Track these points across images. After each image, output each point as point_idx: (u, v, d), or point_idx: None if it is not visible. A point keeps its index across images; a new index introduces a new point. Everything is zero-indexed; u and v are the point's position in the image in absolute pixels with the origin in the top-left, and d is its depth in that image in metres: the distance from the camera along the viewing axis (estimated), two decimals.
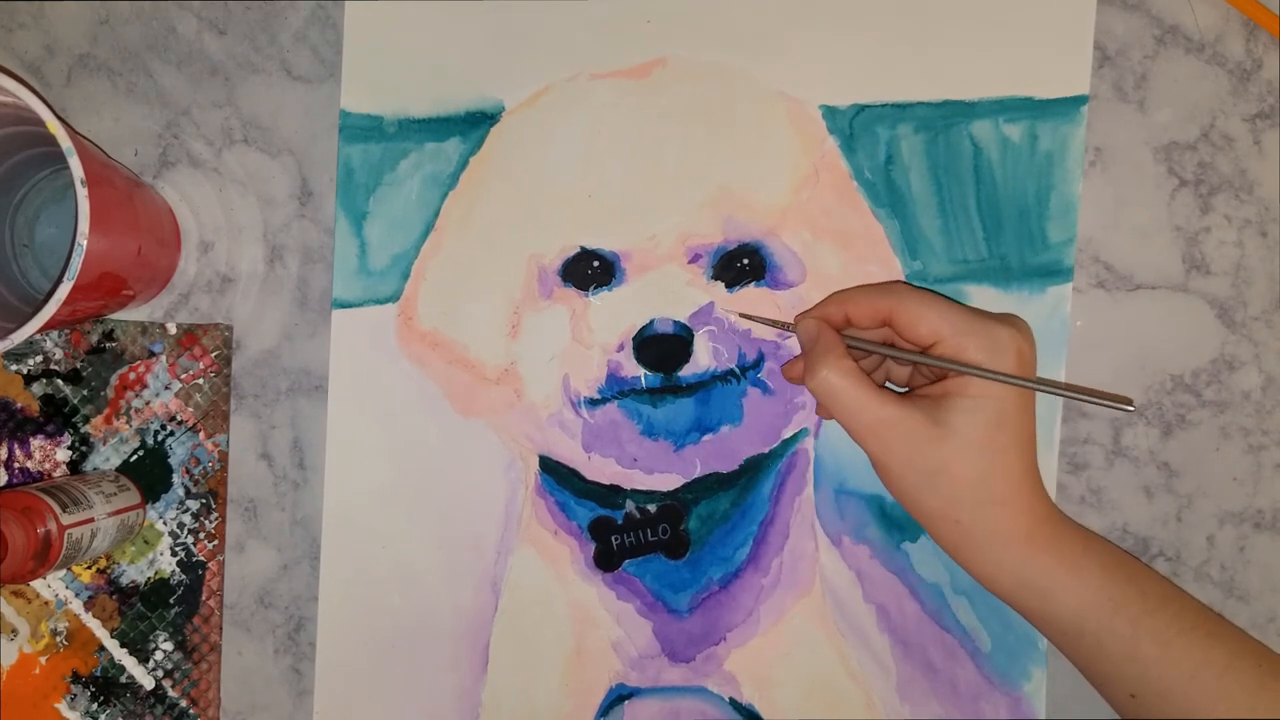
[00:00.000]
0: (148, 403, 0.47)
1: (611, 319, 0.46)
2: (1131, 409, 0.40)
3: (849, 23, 0.45)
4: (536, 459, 0.47)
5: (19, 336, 0.38)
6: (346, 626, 0.47)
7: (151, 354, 0.47)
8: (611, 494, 0.47)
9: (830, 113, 0.46)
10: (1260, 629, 0.46)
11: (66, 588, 0.47)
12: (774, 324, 0.45)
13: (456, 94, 0.46)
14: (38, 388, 0.47)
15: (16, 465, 0.47)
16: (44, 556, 0.40)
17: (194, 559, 0.47)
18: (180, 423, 0.47)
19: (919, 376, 0.43)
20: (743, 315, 0.45)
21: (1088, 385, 0.45)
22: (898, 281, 0.45)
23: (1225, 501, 0.46)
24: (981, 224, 0.45)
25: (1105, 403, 0.40)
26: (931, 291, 0.42)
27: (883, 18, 0.45)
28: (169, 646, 0.47)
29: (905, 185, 0.45)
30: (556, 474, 0.47)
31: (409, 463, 0.47)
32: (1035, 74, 0.45)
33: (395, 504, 0.47)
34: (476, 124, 0.46)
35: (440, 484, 0.47)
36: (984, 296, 0.45)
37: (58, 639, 0.47)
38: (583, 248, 0.46)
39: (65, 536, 0.41)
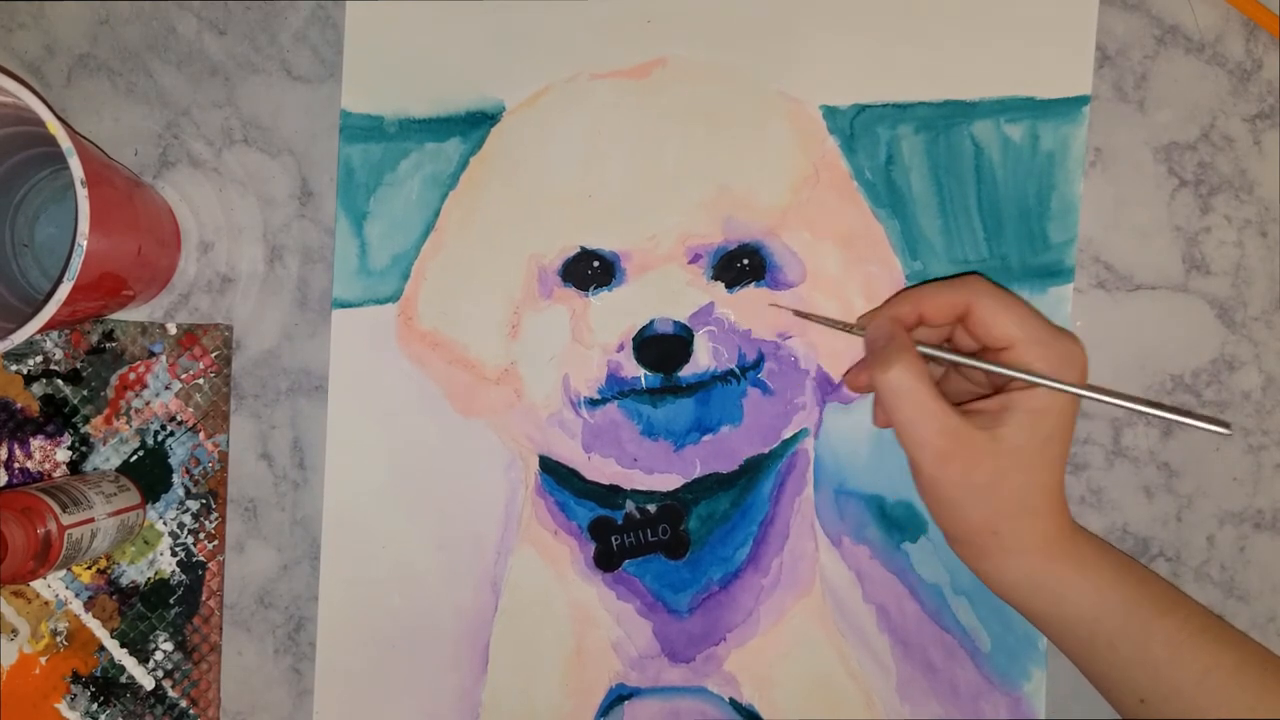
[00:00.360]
0: (148, 403, 0.47)
1: (611, 319, 0.46)
2: (1228, 432, 0.40)
3: (850, 22, 0.45)
4: (536, 459, 0.47)
5: (19, 337, 0.38)
6: (346, 626, 0.47)
7: (151, 354, 0.47)
8: (611, 494, 0.47)
9: (830, 113, 0.45)
10: (1260, 629, 0.46)
11: (66, 588, 0.47)
12: (835, 324, 0.44)
13: (457, 94, 0.46)
14: (38, 388, 0.47)
15: (16, 465, 0.47)
16: (44, 557, 0.40)
17: (194, 559, 0.47)
18: (180, 423, 0.47)
19: (963, 382, 0.42)
20: (798, 314, 0.45)
21: (1090, 383, 0.45)
22: (973, 274, 0.44)
23: (1225, 501, 0.46)
24: (982, 224, 0.45)
25: (1201, 425, 0.39)
26: (1006, 291, 0.41)
27: (884, 17, 0.45)
28: (169, 647, 0.47)
29: (906, 185, 0.45)
30: (556, 474, 0.47)
31: (409, 463, 0.47)
32: (1037, 74, 0.45)
33: (395, 504, 0.47)
34: (477, 124, 0.46)
35: (440, 484, 0.47)
36: None
37: (58, 639, 0.47)
38: (583, 248, 0.46)
39: (65, 537, 0.41)
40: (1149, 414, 0.40)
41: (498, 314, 0.46)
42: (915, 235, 0.45)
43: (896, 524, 0.46)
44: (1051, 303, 0.45)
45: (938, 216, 0.45)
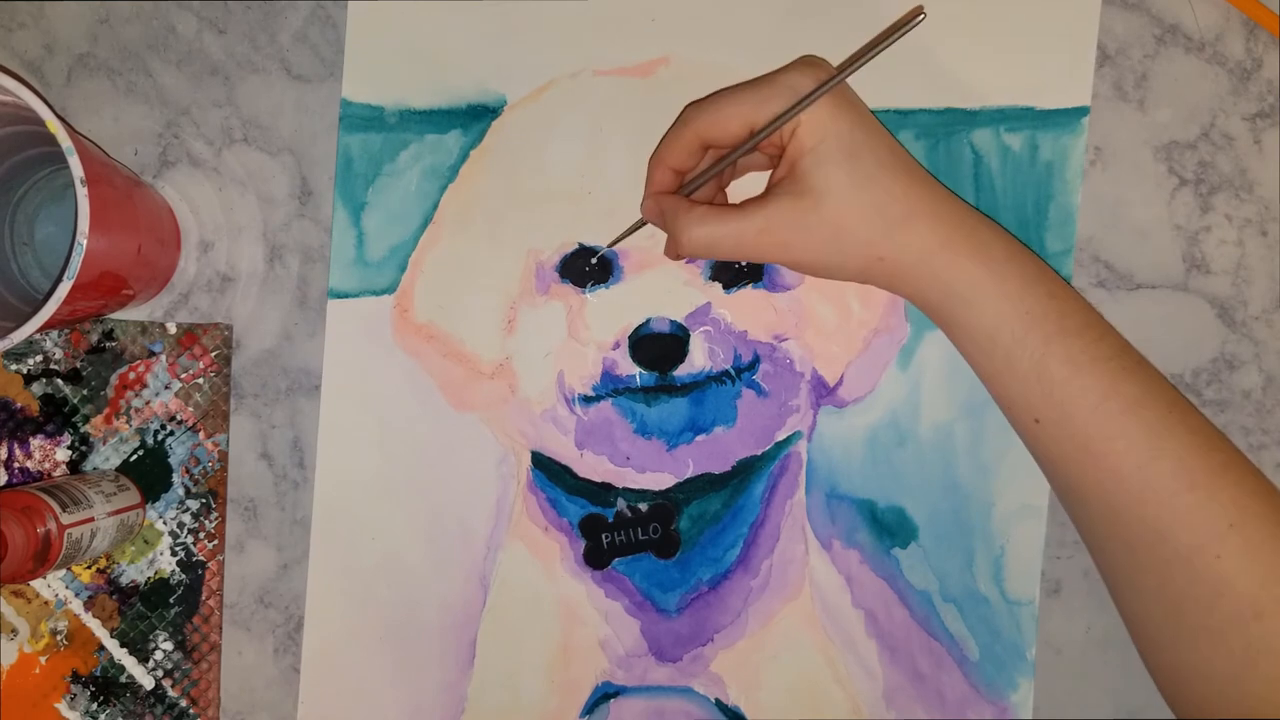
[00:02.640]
0: (148, 402, 0.47)
1: (608, 317, 0.46)
2: (923, 17, 0.38)
3: (851, 27, 0.45)
4: (529, 454, 0.47)
5: (19, 335, 0.38)
6: (334, 616, 0.47)
7: (151, 353, 0.47)
8: (603, 492, 0.47)
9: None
10: None
11: (66, 587, 0.47)
12: (635, 229, 0.45)
13: (459, 86, 0.46)
14: (37, 387, 0.47)
15: (16, 465, 0.47)
16: (44, 556, 0.40)
17: (194, 559, 0.47)
18: (180, 422, 0.47)
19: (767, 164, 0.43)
20: (614, 242, 0.46)
21: None
22: (685, 107, 0.43)
23: None
24: None
25: (902, 29, 0.38)
26: (718, 92, 0.42)
27: (886, 24, 0.45)
28: (169, 646, 0.47)
29: None
30: (548, 470, 0.47)
31: (401, 455, 0.47)
32: (1037, 84, 0.45)
33: (386, 496, 0.47)
34: (478, 117, 0.46)
35: (432, 477, 0.47)
36: None
37: (57, 639, 0.47)
38: (581, 244, 0.46)
39: (65, 536, 0.41)
40: (860, 65, 0.39)
41: (494, 308, 0.46)
42: None
43: (887, 529, 0.46)
44: None
45: None
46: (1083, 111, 0.45)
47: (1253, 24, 0.45)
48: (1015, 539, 0.46)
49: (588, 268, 0.46)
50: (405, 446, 0.47)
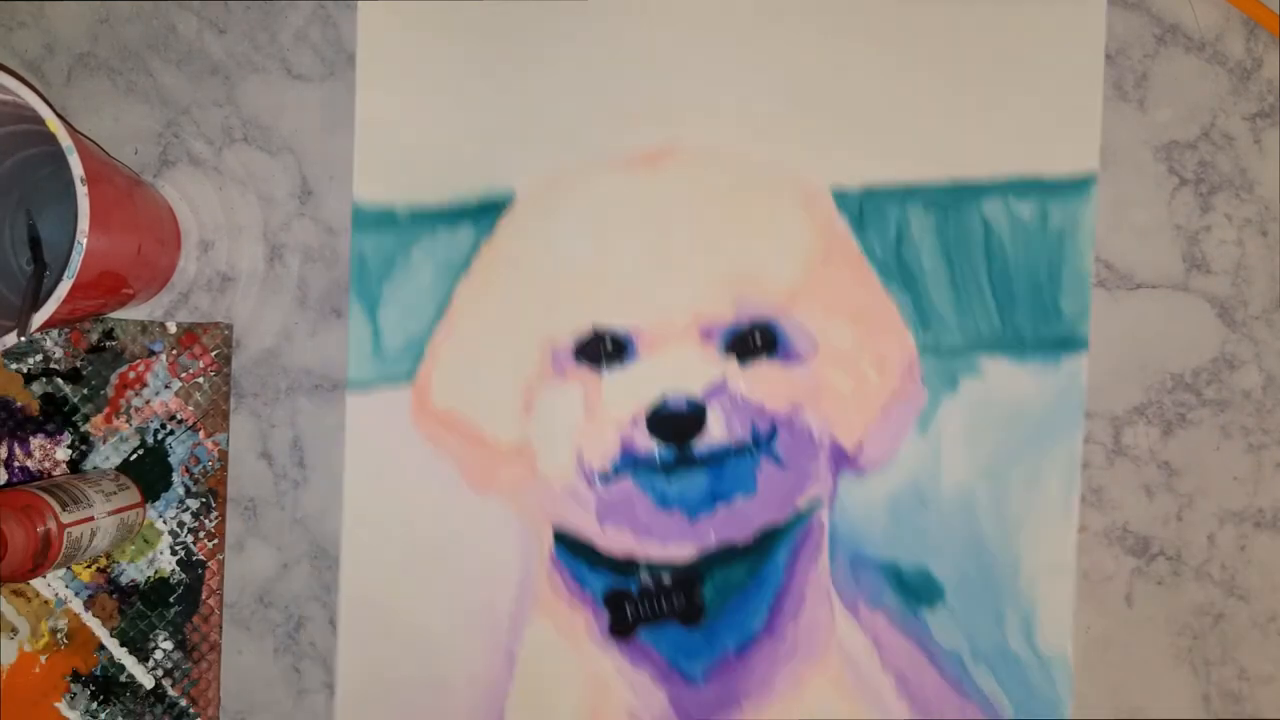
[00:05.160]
0: (148, 401, 0.47)
1: (625, 395, 0.46)
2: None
3: (857, 105, 0.45)
4: (551, 531, 0.46)
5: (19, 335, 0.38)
6: (365, 695, 0.47)
7: (151, 353, 0.47)
8: (626, 565, 0.46)
9: (840, 194, 0.45)
10: (1261, 628, 0.46)
11: (66, 587, 0.47)
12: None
13: (469, 182, 0.46)
14: (37, 386, 0.47)
15: (16, 464, 0.47)
16: (44, 555, 0.40)
17: (194, 558, 0.47)
18: (180, 421, 0.47)
19: None
20: None
21: (1090, 384, 0.45)
22: None
23: (1226, 500, 0.46)
24: (994, 297, 0.45)
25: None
26: None
27: (891, 99, 0.45)
28: (169, 645, 0.47)
29: (916, 262, 0.45)
30: (571, 546, 0.46)
31: (425, 538, 0.46)
32: (1043, 152, 0.45)
33: (412, 578, 0.46)
34: (489, 212, 0.46)
35: (456, 557, 0.46)
36: (998, 367, 0.45)
37: (57, 637, 0.47)
38: (595, 327, 0.46)
39: (65, 535, 0.41)
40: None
41: (511, 392, 0.46)
42: (927, 309, 0.45)
43: (913, 590, 0.46)
44: (1067, 372, 0.45)
45: (949, 290, 0.45)
46: (1090, 180, 0.45)
47: (1253, 24, 0.45)
48: (1045, 595, 0.45)
49: (603, 349, 0.46)
50: (429, 530, 0.46)
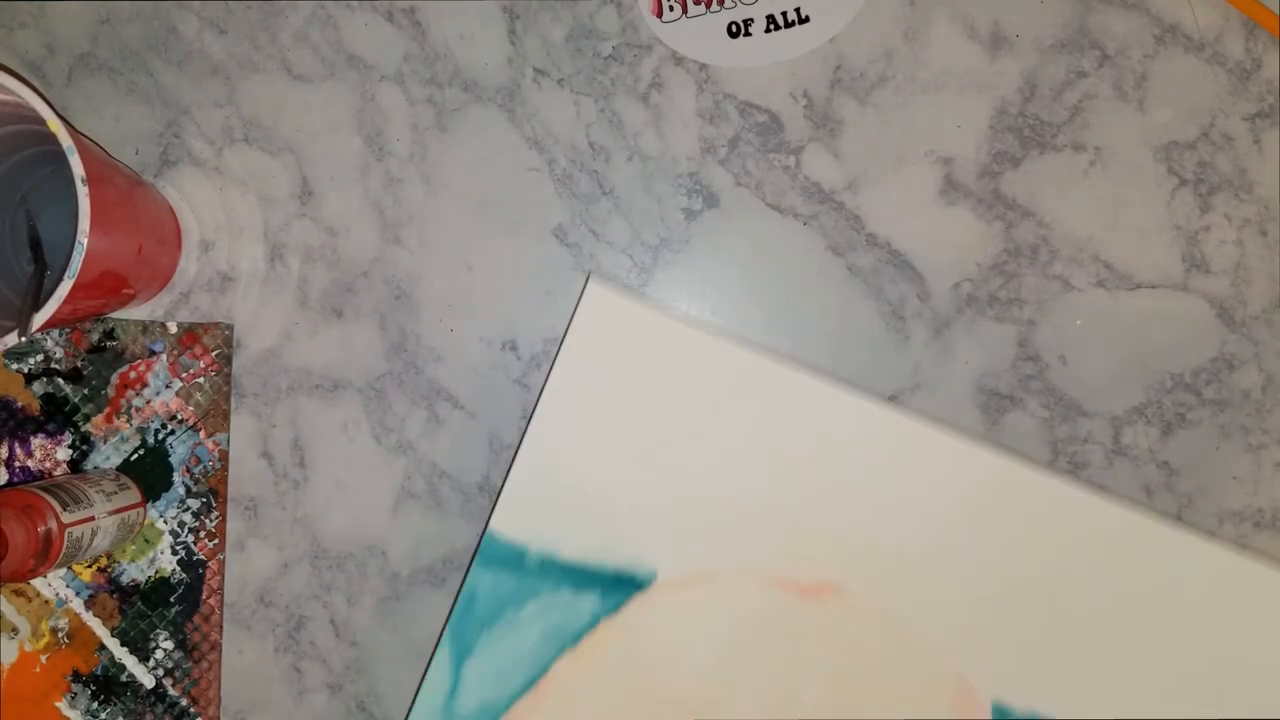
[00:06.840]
0: (148, 401, 0.47)
1: None
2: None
3: (1046, 623, 0.41)
4: None
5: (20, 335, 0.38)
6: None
7: (152, 353, 0.47)
8: None
9: (1001, 712, 0.41)
10: None
11: (67, 586, 0.47)
12: None
13: (614, 548, 0.42)
14: (38, 386, 0.47)
15: (17, 464, 0.47)
16: (44, 555, 0.40)
17: (194, 558, 0.47)
18: (181, 421, 0.47)
19: None
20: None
21: (1088, 385, 0.45)
22: None
23: (1225, 501, 0.46)
24: None
25: None
26: None
27: (1084, 630, 0.41)
28: (169, 645, 0.47)
29: None
30: None
31: None
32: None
33: None
34: (622, 586, 0.42)
35: None
36: None
37: (58, 637, 0.47)
38: None
39: (66, 535, 0.41)
40: None
41: None
42: None
43: None
44: None
45: None
46: None
47: (1253, 24, 0.45)
48: None
49: None
50: None
